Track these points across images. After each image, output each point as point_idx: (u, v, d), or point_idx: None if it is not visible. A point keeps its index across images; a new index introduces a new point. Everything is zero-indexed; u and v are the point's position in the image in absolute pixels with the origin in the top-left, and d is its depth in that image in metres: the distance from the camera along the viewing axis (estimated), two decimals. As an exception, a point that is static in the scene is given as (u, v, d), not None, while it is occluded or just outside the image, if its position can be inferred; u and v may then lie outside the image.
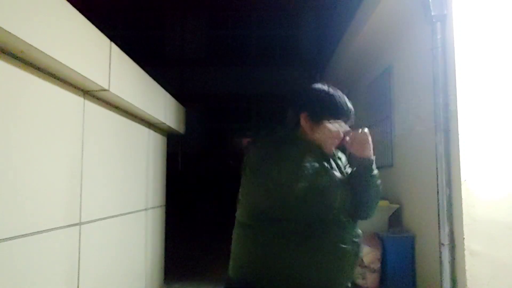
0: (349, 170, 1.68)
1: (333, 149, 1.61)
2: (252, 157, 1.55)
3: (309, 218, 1.47)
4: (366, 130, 1.56)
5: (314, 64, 9.16)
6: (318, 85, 1.66)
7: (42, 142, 2.26)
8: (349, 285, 1.61)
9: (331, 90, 1.64)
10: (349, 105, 1.63)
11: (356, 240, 1.54)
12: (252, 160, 1.54)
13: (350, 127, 1.60)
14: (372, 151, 1.57)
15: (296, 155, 1.48)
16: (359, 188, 1.57)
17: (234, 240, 1.60)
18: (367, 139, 1.55)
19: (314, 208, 1.48)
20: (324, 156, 1.57)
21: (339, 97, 1.63)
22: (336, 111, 1.58)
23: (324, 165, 1.54)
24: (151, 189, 4.31)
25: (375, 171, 1.59)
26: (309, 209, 1.47)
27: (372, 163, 1.58)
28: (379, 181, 1.61)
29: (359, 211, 1.60)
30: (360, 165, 1.59)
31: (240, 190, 1.60)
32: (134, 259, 3.81)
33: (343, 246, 1.49)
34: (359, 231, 1.59)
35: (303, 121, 1.59)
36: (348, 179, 1.60)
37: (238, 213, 1.61)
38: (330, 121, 1.56)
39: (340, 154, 1.72)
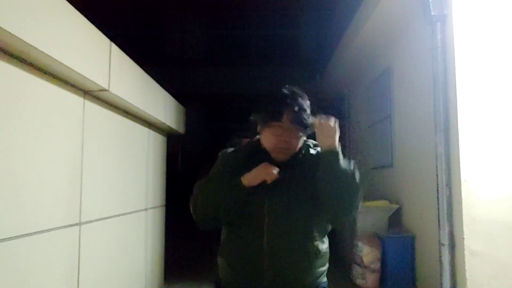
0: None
1: (283, 156, 1.51)
2: (216, 167, 1.61)
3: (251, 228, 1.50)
4: (327, 118, 1.41)
5: (314, 64, 9.15)
6: (272, 90, 1.55)
7: (42, 142, 2.26)
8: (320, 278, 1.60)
9: (272, 92, 1.52)
10: (294, 107, 1.44)
11: (309, 248, 1.52)
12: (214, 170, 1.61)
13: (301, 128, 1.47)
14: (334, 140, 1.40)
15: (244, 168, 1.49)
16: (326, 182, 1.42)
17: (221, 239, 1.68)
18: (329, 127, 1.40)
19: (249, 218, 1.51)
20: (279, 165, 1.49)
21: (277, 99, 1.48)
22: (271, 115, 1.46)
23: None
24: (151, 189, 4.31)
25: (343, 164, 1.41)
26: (247, 220, 1.51)
27: (334, 153, 1.41)
28: (351, 172, 1.42)
29: (332, 212, 1.49)
30: (324, 157, 1.43)
31: None
32: (134, 259, 3.81)
33: (256, 249, 1.49)
34: (315, 242, 1.54)
35: (259, 129, 1.55)
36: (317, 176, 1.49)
37: None
38: (272, 125, 1.46)
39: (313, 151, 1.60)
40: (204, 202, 1.52)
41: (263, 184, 1.48)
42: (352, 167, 1.45)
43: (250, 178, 1.47)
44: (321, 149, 1.46)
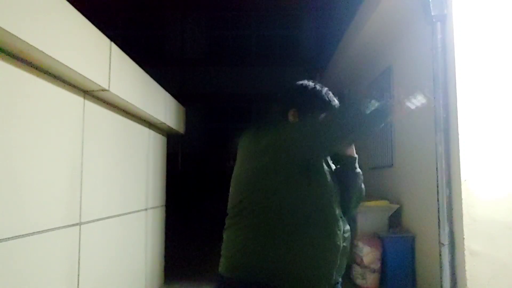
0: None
1: None
2: (246, 140, 1.54)
3: (306, 213, 1.45)
4: None
5: (314, 64, 9.15)
6: (305, 82, 1.67)
7: (42, 142, 2.26)
8: (340, 279, 1.62)
9: (318, 86, 1.65)
10: (336, 101, 1.66)
11: (346, 235, 1.56)
12: (245, 143, 1.53)
13: None
14: (354, 150, 1.64)
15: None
16: (343, 184, 1.61)
17: (225, 236, 1.56)
18: None
19: (313, 202, 1.46)
20: None
21: (326, 93, 1.65)
22: (324, 107, 1.60)
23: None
24: (151, 189, 4.31)
25: (358, 170, 1.65)
26: (307, 204, 1.45)
27: (355, 161, 1.64)
28: (362, 181, 1.66)
29: (342, 207, 1.62)
30: (344, 163, 1.64)
31: (231, 181, 1.57)
32: (134, 259, 3.81)
33: (335, 240, 1.49)
34: (348, 227, 1.61)
35: (291, 118, 1.61)
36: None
37: (229, 207, 1.56)
38: (318, 116, 1.57)
39: None
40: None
41: (326, 174, 1.53)
42: (361, 174, 1.67)
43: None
44: (344, 157, 1.65)
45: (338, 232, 1.50)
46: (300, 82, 1.68)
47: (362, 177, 1.67)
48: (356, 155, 1.65)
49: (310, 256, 1.44)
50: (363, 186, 1.68)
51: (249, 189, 1.47)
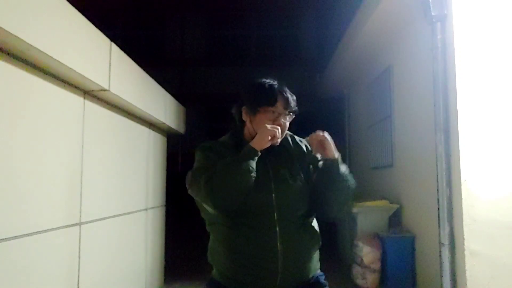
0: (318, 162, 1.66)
1: (273, 142, 1.50)
2: (196, 163, 1.62)
3: (249, 218, 1.50)
4: (323, 132, 1.56)
5: (314, 64, 9.15)
6: (257, 79, 1.64)
7: (42, 142, 2.26)
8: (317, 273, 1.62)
9: (262, 81, 1.61)
10: (285, 93, 1.57)
11: (305, 234, 1.56)
12: (195, 166, 1.61)
13: (290, 113, 1.57)
14: (334, 151, 1.55)
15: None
16: (325, 186, 1.55)
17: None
18: (325, 140, 1.54)
19: (248, 207, 1.49)
20: (267, 154, 1.52)
21: (270, 85, 1.58)
22: (267, 100, 1.54)
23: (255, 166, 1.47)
24: (151, 189, 4.31)
25: (342, 170, 1.56)
26: (245, 209, 1.48)
27: (336, 163, 1.55)
28: (349, 180, 1.58)
29: (327, 208, 1.60)
30: (324, 165, 1.57)
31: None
32: (134, 259, 3.81)
33: (288, 242, 1.50)
34: (313, 225, 1.62)
35: (244, 116, 1.61)
36: (316, 175, 1.60)
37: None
38: (266, 110, 1.53)
39: (302, 145, 1.68)
40: (225, 186, 1.45)
41: (266, 175, 1.53)
42: (348, 171, 1.60)
43: (259, 140, 1.46)
44: (323, 160, 1.58)
45: (276, 235, 1.49)
46: (253, 79, 1.65)
47: (349, 177, 1.58)
48: (336, 156, 1.55)
49: (248, 258, 1.50)
50: (350, 185, 1.59)
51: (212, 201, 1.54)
